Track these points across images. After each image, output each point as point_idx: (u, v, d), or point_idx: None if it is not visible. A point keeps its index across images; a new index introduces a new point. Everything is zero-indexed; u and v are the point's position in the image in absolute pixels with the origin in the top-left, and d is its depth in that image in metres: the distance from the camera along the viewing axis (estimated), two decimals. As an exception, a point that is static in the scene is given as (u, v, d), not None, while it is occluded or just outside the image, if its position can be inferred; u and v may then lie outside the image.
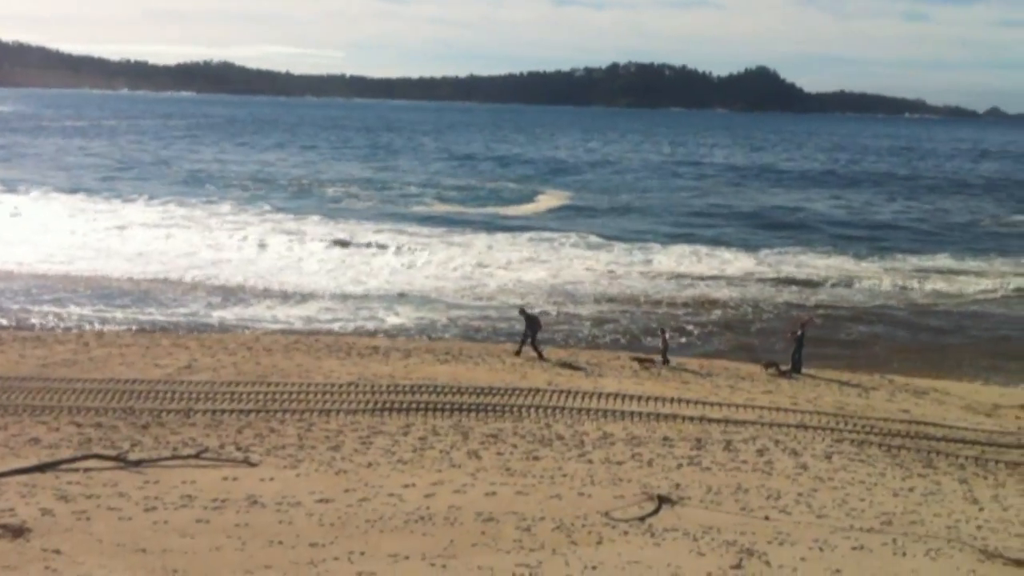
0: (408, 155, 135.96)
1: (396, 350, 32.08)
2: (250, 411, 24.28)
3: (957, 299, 49.09)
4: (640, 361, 31.75)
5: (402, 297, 44.29)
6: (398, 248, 56.36)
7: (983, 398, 30.59)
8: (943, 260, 60.62)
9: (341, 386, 26.52)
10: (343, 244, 56.69)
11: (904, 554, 16.24)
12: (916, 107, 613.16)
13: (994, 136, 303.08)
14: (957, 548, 16.65)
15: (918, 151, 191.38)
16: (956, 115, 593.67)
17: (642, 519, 17.46)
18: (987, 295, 50.51)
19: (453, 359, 31.13)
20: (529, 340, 32.26)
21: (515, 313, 38.37)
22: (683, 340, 38.49)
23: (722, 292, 48.13)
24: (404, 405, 25.09)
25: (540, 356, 31.90)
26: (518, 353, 32.09)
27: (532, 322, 32.52)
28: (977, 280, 54.10)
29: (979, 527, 18.12)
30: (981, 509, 19.39)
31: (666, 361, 32.15)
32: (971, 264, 59.59)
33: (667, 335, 33.68)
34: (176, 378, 26.84)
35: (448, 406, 25.15)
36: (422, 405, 25.14)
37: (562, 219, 74.54)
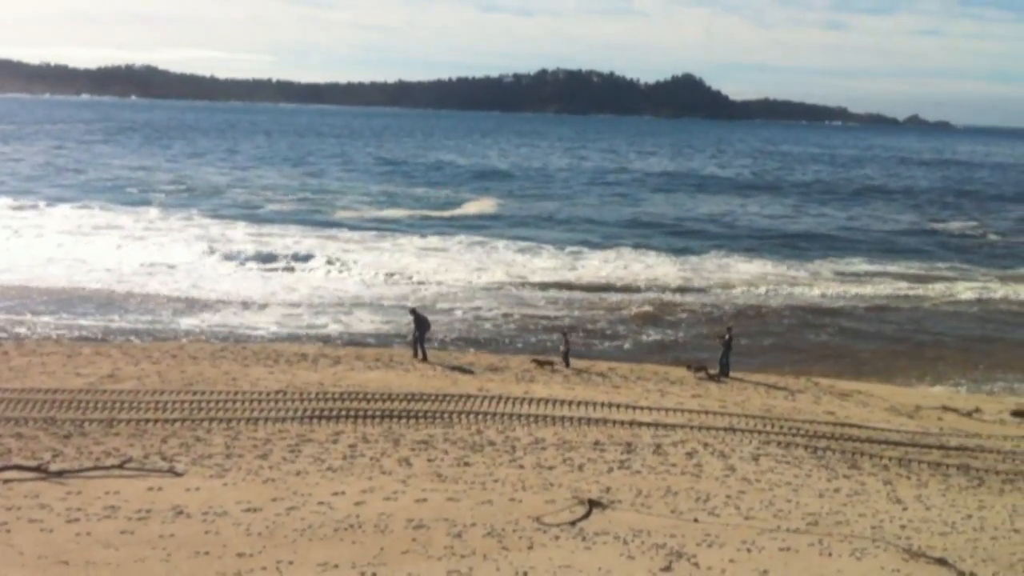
0: (336, 161, 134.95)
1: (325, 357, 31.76)
2: (175, 420, 23.83)
3: (878, 303, 50.10)
4: (539, 363, 31.88)
5: (330, 303, 43.88)
6: (326, 254, 55.82)
7: (905, 400, 31.24)
8: (862, 265, 61.95)
9: (269, 394, 26.19)
10: (269, 257, 55.43)
11: (830, 554, 16.48)
12: (838, 115, 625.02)
13: (913, 143, 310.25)
14: (881, 548, 16.95)
15: (840, 158, 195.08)
16: (877, 122, 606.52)
17: (573, 523, 17.49)
18: (907, 299, 51.63)
19: (383, 366, 30.92)
20: (418, 340, 32.05)
21: (445, 318, 38.36)
22: (606, 345, 38.76)
23: (648, 296, 48.55)
24: (334, 412, 24.84)
25: (423, 358, 31.80)
26: (415, 355, 31.93)
27: (421, 322, 32.26)
28: (896, 285, 55.32)
29: (903, 527, 18.46)
30: (904, 509, 19.76)
31: (567, 364, 32.26)
32: (891, 269, 60.96)
33: (569, 338, 33.62)
34: (99, 387, 26.26)
35: (378, 413, 24.96)
36: (352, 412, 24.91)
37: (491, 224, 74.67)
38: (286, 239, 60.98)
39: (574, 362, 32.90)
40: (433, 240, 63.82)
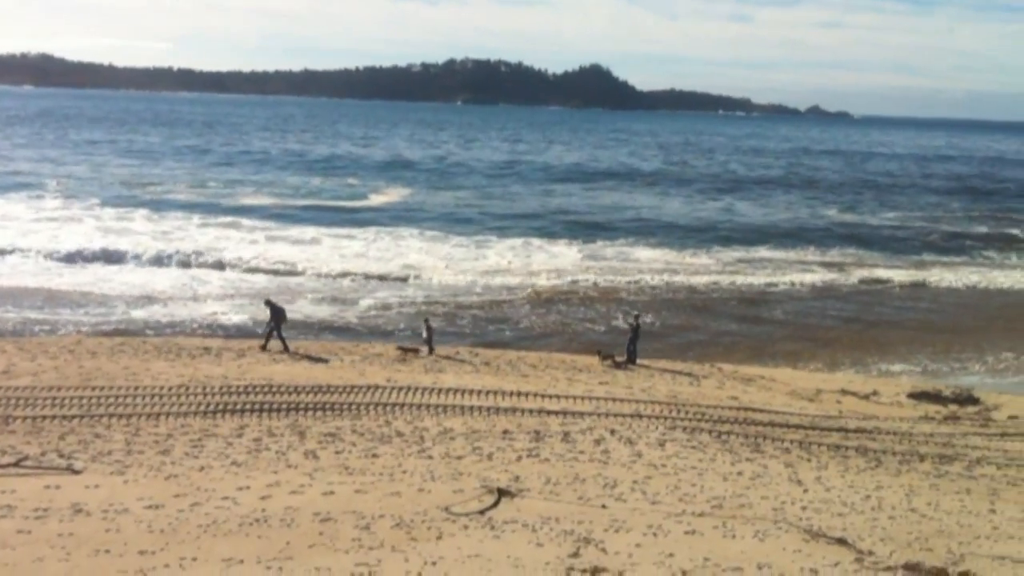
0: (239, 151, 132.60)
1: (229, 350, 31.20)
2: (73, 416, 23.15)
3: (780, 290, 51.21)
4: (404, 351, 31.84)
5: (236, 295, 43.17)
6: (231, 245, 54.92)
7: (806, 384, 31.97)
8: (764, 252, 63.27)
9: (171, 388, 25.62)
10: (173, 258, 53.89)
11: (733, 536, 16.75)
12: (742, 105, 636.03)
13: (815, 133, 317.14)
14: (783, 529, 17.28)
15: (743, 148, 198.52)
16: (779, 113, 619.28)
17: (482, 512, 17.47)
18: (807, 286, 52.85)
19: (289, 358, 30.52)
20: (274, 331, 31.49)
21: (354, 308, 38.00)
22: (513, 333, 38.89)
23: (554, 284, 48.87)
24: (238, 406, 24.41)
25: (284, 348, 31.32)
26: (264, 347, 31.35)
27: (277, 313, 31.66)
28: (797, 272, 56.60)
29: (803, 508, 18.86)
30: (805, 491, 20.19)
31: (431, 350, 32.25)
32: (791, 256, 62.37)
33: (431, 324, 33.50)
34: (-8, 384, 25.39)
35: (284, 406, 24.62)
36: (257, 406, 24.52)
37: (401, 214, 74.37)
38: (189, 230, 59.83)
39: (483, 351, 32.96)
40: (339, 230, 63.23)
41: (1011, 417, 28.81)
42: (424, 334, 32.83)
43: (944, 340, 41.25)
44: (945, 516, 18.95)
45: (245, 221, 64.79)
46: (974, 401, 30.64)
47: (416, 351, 32.02)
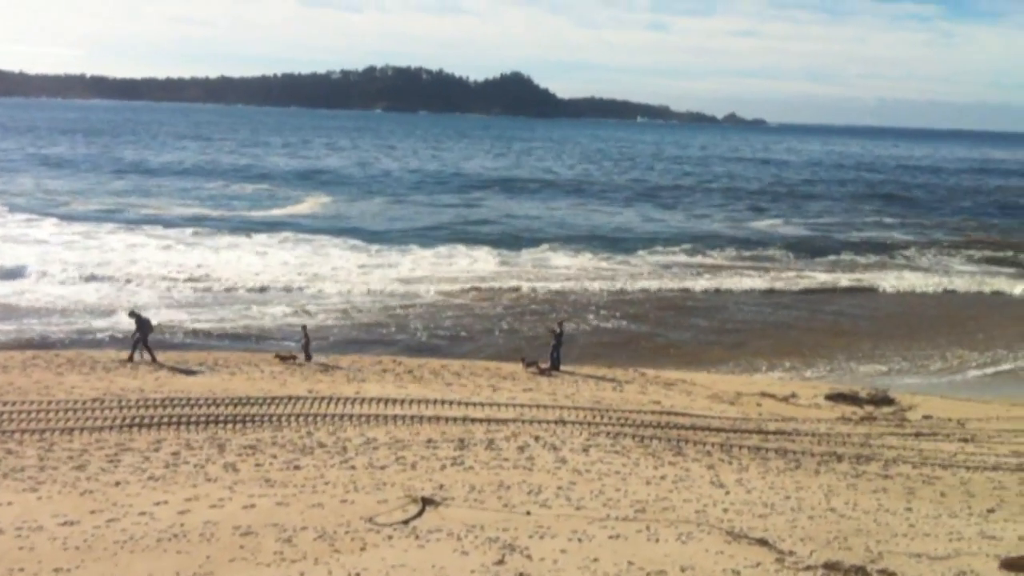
0: (155, 159, 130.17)
1: (145, 363, 30.54)
2: (-18, 433, 22.44)
3: (700, 296, 51.85)
4: (282, 359, 31.58)
5: (150, 305, 42.28)
6: (144, 254, 53.89)
7: (726, 387, 32.35)
8: (682, 258, 64.12)
9: (85, 403, 24.98)
10: (86, 269, 52.65)
11: (657, 540, 16.87)
12: (662, 113, 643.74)
13: (732, 140, 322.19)
14: (706, 531, 17.46)
15: (663, 156, 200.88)
16: (697, 120, 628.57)
17: (406, 522, 17.35)
18: (728, 291, 53.58)
19: (208, 369, 30.00)
20: (140, 343, 30.79)
21: (258, 317, 37.53)
22: (432, 341, 38.78)
23: (477, 291, 48.87)
24: (155, 420, 23.90)
25: (152, 358, 30.66)
26: (130, 359, 30.59)
27: (142, 324, 30.97)
28: (716, 277, 57.38)
29: (725, 510, 19.07)
30: (727, 493, 20.42)
31: (308, 357, 32.03)
32: (708, 261, 63.23)
33: (308, 331, 33.16)
34: None
35: (203, 419, 24.16)
36: (174, 419, 24.03)
37: (320, 222, 73.65)
38: (103, 239, 58.56)
39: (406, 360, 32.80)
40: (256, 238, 62.50)
41: (925, 417, 29.50)
42: (301, 341, 32.50)
43: (860, 342, 42.11)
44: (863, 515, 19.32)
45: (159, 230, 63.59)
46: (889, 402, 31.29)
47: (294, 358, 31.65)
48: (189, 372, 29.60)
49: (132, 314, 31.66)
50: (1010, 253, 71.18)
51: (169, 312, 41.24)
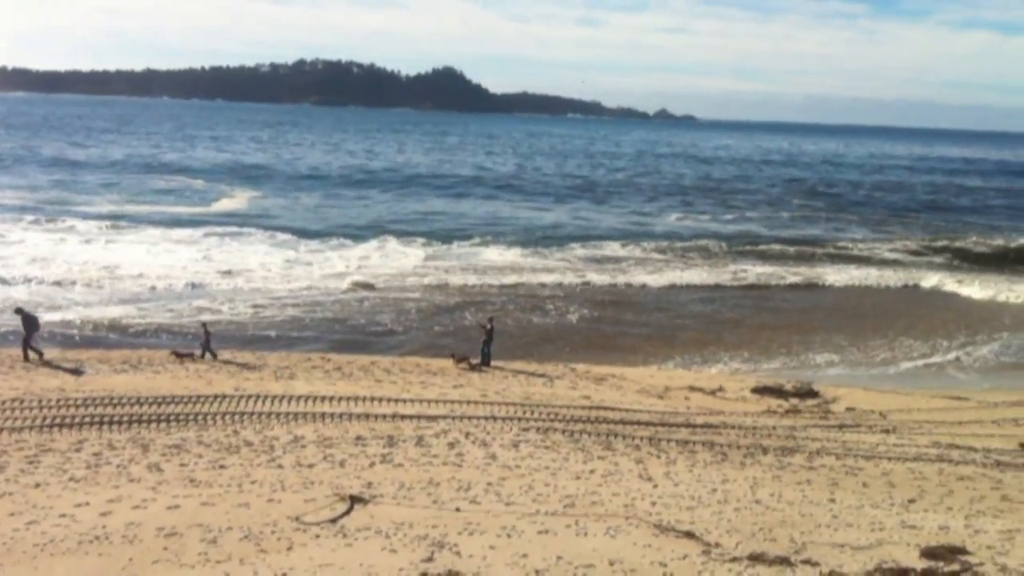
0: (79, 153, 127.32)
1: (67, 361, 29.88)
2: None
3: (631, 290, 52.25)
4: (179, 356, 31.04)
5: (71, 303, 41.42)
6: (65, 250, 52.75)
7: (655, 382, 32.64)
8: (615, 252, 64.58)
9: (4, 402, 24.30)
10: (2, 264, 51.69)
11: (586, 534, 16.93)
12: (593, 109, 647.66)
13: (663, 136, 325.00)
14: (634, 525, 17.56)
15: (594, 152, 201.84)
16: (629, 116, 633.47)
17: (334, 521, 17.18)
18: (657, 286, 54.08)
19: (132, 368, 29.43)
20: (27, 341, 30.04)
21: (199, 316, 36.97)
22: (361, 337, 38.56)
23: (408, 286, 48.71)
24: (76, 420, 23.35)
25: (40, 356, 29.89)
26: (26, 358, 29.83)
27: (29, 322, 30.31)
28: (643, 272, 57.89)
29: (653, 503, 19.20)
30: (655, 486, 20.56)
31: (209, 354, 31.62)
32: (640, 256, 63.70)
33: (208, 329, 32.83)
34: None
35: (126, 418, 23.68)
36: (96, 419, 23.51)
37: (248, 218, 72.73)
38: (16, 234, 57.21)
39: (335, 357, 32.55)
40: (182, 233, 61.64)
41: (848, 409, 30.08)
42: (202, 338, 32.10)
43: (786, 336, 42.79)
44: (787, 506, 19.59)
45: (79, 225, 62.30)
46: (814, 394, 31.85)
47: (192, 356, 31.20)
48: (78, 372, 28.72)
49: (18, 311, 30.94)
50: (934, 248, 72.84)
51: (86, 310, 40.42)
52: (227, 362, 31.17)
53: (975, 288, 56.93)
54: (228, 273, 49.68)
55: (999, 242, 76.78)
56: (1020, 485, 22.57)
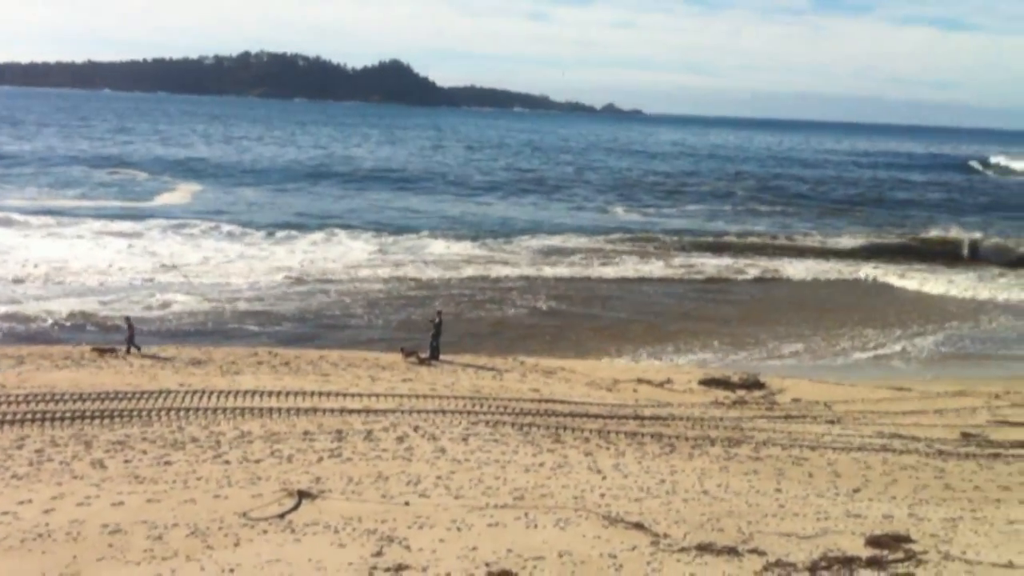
0: (16, 146, 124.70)
1: (7, 357, 29.31)
2: None
3: (580, 284, 52.40)
4: (101, 352, 30.56)
5: (9, 296, 40.66)
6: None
7: (604, 374, 32.79)
8: (563, 246, 64.65)
9: (-59, 400, 23.84)
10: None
11: (535, 526, 16.95)
12: (541, 103, 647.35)
13: (610, 130, 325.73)
14: (583, 516, 17.62)
15: (543, 147, 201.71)
16: (576, 110, 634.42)
17: (282, 516, 17.04)
18: (605, 280, 54.32)
19: (74, 364, 28.96)
20: None
21: (139, 310, 36.47)
22: (309, 331, 38.35)
23: (358, 279, 48.48)
24: (17, 416, 22.92)
25: None
26: None
27: None
28: (596, 267, 58.09)
29: (602, 495, 19.29)
30: (604, 478, 20.65)
31: (132, 348, 31.09)
32: (588, 248, 63.87)
33: (132, 323, 32.18)
34: None
35: (68, 415, 23.29)
36: (38, 415, 23.10)
37: (192, 211, 71.90)
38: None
39: (282, 352, 32.30)
40: (122, 227, 60.77)
41: (794, 400, 30.44)
42: (126, 332, 31.52)
43: (733, 328, 43.20)
44: (735, 497, 19.78)
45: (17, 219, 61.13)
46: (760, 386, 32.18)
47: (113, 351, 30.70)
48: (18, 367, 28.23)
49: None
50: (876, 242, 73.76)
51: (23, 305, 39.69)
52: (172, 358, 30.78)
53: (915, 281, 57.91)
54: (171, 267, 48.91)
55: (937, 235, 78.04)
56: (962, 473, 23.02)
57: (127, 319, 32.41)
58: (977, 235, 74.65)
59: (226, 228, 63.22)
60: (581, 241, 67.06)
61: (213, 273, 48.82)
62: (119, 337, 32.32)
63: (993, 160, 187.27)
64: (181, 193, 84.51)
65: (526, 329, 41.68)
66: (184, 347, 33.32)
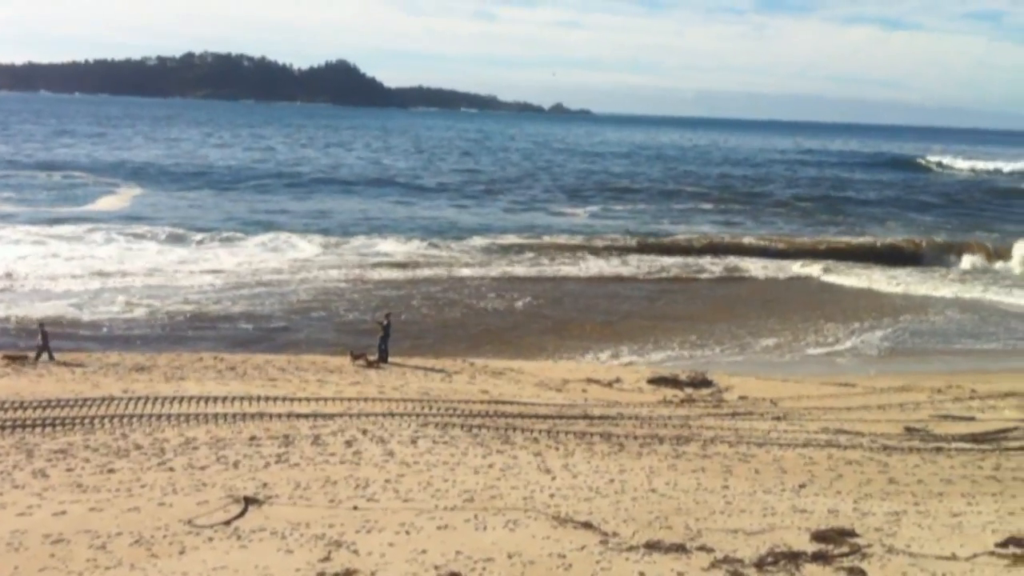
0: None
1: None
2: None
3: (528, 285, 52.42)
4: (11, 359, 29.74)
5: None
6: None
7: (553, 375, 32.83)
8: (511, 244, 64.69)
9: None
10: None
11: (485, 528, 16.95)
12: (489, 103, 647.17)
13: (559, 130, 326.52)
14: (533, 517, 17.65)
15: (492, 147, 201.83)
16: (525, 110, 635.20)
17: (228, 523, 16.86)
18: (554, 280, 54.46)
19: (13, 372, 28.40)
20: None
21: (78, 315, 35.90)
22: (251, 334, 38.00)
23: (305, 280, 48.12)
24: (-45, 426, 22.46)
25: None
26: None
27: None
28: (544, 266, 58.22)
29: (552, 495, 19.32)
30: (553, 478, 20.69)
31: (46, 356, 30.40)
32: (537, 247, 63.98)
33: (45, 329, 31.18)
34: None
35: (8, 423, 22.84)
36: (-23, 424, 22.65)
37: (134, 215, 70.85)
38: None
39: (228, 356, 31.90)
40: (61, 231, 59.72)
41: (741, 397, 30.71)
42: (39, 339, 30.74)
43: (681, 326, 43.50)
44: (683, 494, 19.93)
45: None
46: (708, 384, 32.41)
47: (25, 358, 30.00)
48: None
49: None
50: (819, 240, 74.65)
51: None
52: (115, 364, 30.32)
53: (859, 278, 58.86)
54: (112, 272, 48.21)
55: (880, 233, 79.36)
56: (905, 468, 23.37)
57: (40, 325, 31.40)
58: (920, 233, 75.95)
59: (170, 231, 62.38)
60: (530, 241, 67.10)
61: (156, 277, 48.15)
62: (54, 344, 31.61)
63: (935, 158, 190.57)
64: (123, 196, 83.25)
65: (476, 330, 41.64)
66: (127, 353, 32.85)
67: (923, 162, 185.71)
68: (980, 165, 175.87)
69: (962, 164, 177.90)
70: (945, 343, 43.27)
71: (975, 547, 16.99)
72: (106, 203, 78.45)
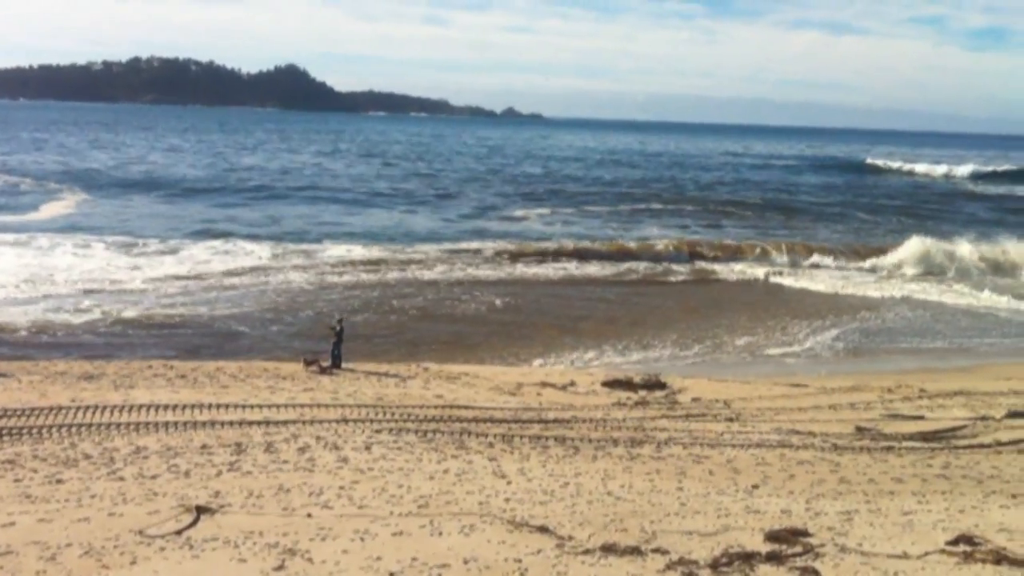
0: None
1: None
2: None
3: (484, 287, 52.39)
4: None
5: None
6: None
7: (508, 379, 32.80)
8: (466, 248, 64.63)
9: None
10: None
11: (440, 533, 16.86)
12: (441, 107, 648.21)
13: (510, 134, 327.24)
14: (488, 522, 17.59)
15: (444, 152, 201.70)
16: (477, 115, 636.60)
17: (179, 532, 16.62)
18: (508, 283, 54.46)
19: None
20: None
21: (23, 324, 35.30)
22: (201, 341, 37.59)
23: (254, 285, 47.71)
24: None
25: None
26: None
27: None
28: (497, 267, 58.27)
29: (507, 500, 19.28)
30: (509, 483, 20.65)
31: None
32: (489, 251, 63.95)
33: None
34: None
35: (-48, 434, 22.39)
36: (-80, 436, 22.16)
37: (78, 222, 69.78)
38: None
39: (178, 364, 31.50)
40: (4, 237, 58.74)
41: (694, 399, 30.88)
42: None
43: (634, 329, 43.71)
44: (638, 497, 19.98)
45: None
46: (662, 386, 32.54)
47: None
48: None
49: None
50: (772, 243, 75.31)
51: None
52: (63, 372, 29.81)
53: (809, 280, 59.73)
54: (58, 279, 47.45)
55: (827, 234, 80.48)
56: (857, 467, 23.64)
57: None
58: (867, 233, 77.02)
59: (116, 238, 61.52)
60: (483, 245, 67.10)
61: (104, 283, 47.46)
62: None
63: (881, 161, 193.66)
64: (68, 203, 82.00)
65: (430, 334, 41.53)
66: (75, 361, 32.32)
67: (870, 164, 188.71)
68: (924, 168, 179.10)
69: (909, 166, 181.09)
70: (895, 342, 43.92)
71: (926, 545, 17.19)
72: (50, 209, 77.21)
